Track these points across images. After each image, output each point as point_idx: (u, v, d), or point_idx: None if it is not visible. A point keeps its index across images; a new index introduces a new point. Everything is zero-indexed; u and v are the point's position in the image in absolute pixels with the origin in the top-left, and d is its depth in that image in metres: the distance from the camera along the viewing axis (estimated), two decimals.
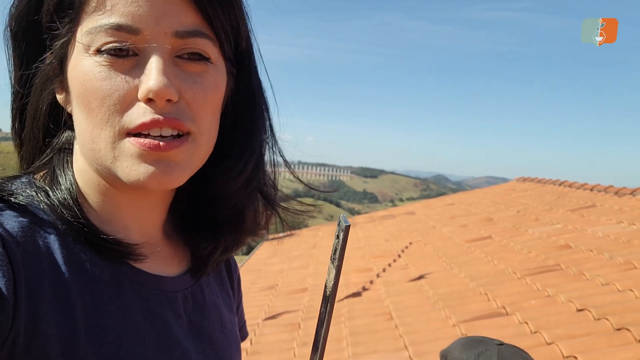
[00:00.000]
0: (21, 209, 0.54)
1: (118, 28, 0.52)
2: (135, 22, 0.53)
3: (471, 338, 1.73)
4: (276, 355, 3.58)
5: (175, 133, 0.55)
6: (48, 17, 0.56)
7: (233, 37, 0.61)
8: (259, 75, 0.68)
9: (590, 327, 2.83)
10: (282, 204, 0.73)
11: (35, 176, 0.61)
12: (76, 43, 0.55)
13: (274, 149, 0.70)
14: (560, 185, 7.74)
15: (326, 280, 0.51)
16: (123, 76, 0.53)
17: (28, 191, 0.57)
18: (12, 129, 0.64)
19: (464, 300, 3.77)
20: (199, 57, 0.56)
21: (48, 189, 0.58)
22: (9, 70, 0.61)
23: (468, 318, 3.36)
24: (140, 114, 0.53)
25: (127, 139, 0.54)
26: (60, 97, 0.60)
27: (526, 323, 3.04)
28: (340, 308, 4.31)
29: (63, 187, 0.58)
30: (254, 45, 0.66)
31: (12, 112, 0.63)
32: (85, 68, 0.54)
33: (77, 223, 0.56)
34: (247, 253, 9.90)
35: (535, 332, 2.91)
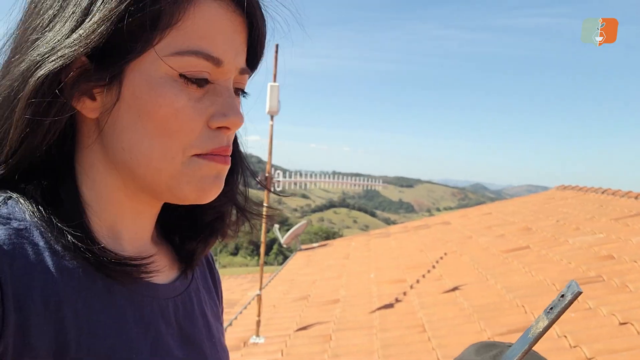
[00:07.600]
0: (8, 217, 0.53)
1: (207, 58, 0.55)
2: (221, 55, 0.56)
3: (483, 343, 1.77)
4: None
5: None
6: (126, 33, 0.52)
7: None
8: None
9: (633, 341, 2.70)
10: (250, 208, 0.76)
11: (26, 187, 0.57)
12: (157, 60, 0.53)
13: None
14: (602, 193, 7.46)
15: (532, 326, 0.58)
16: (198, 104, 0.57)
17: (20, 201, 0.55)
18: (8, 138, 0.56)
19: (500, 312, 3.66)
20: (242, 92, 0.63)
21: (43, 202, 0.56)
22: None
23: (504, 331, 3.25)
24: (213, 139, 0.58)
25: (196, 158, 0.58)
26: (86, 104, 0.56)
27: (565, 337, 2.92)
28: (372, 320, 4.26)
29: (70, 204, 0.57)
30: None
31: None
32: (163, 90, 0.54)
33: (86, 250, 0.54)
34: (281, 263, 9.95)
35: (574, 347, 2.79)
